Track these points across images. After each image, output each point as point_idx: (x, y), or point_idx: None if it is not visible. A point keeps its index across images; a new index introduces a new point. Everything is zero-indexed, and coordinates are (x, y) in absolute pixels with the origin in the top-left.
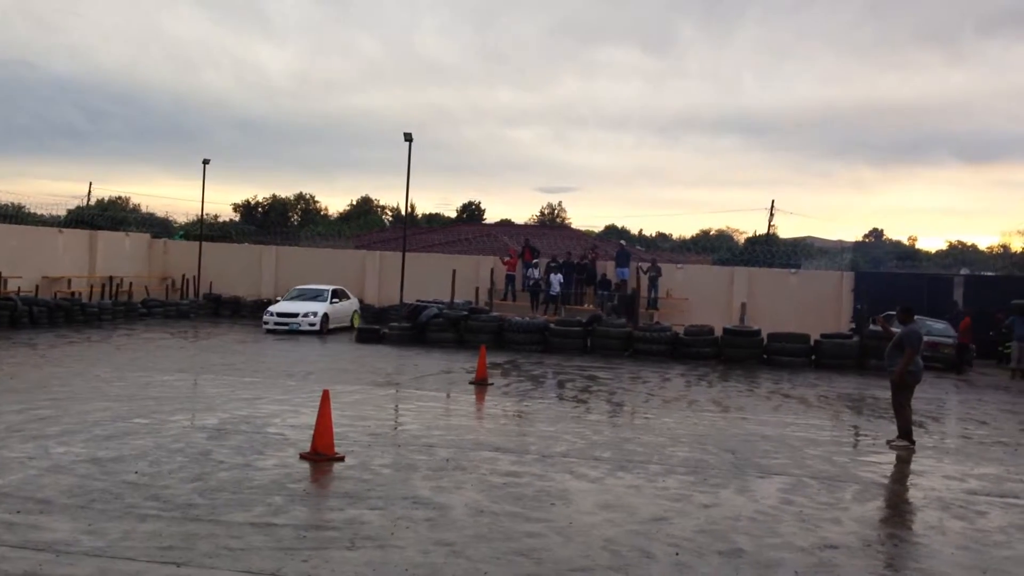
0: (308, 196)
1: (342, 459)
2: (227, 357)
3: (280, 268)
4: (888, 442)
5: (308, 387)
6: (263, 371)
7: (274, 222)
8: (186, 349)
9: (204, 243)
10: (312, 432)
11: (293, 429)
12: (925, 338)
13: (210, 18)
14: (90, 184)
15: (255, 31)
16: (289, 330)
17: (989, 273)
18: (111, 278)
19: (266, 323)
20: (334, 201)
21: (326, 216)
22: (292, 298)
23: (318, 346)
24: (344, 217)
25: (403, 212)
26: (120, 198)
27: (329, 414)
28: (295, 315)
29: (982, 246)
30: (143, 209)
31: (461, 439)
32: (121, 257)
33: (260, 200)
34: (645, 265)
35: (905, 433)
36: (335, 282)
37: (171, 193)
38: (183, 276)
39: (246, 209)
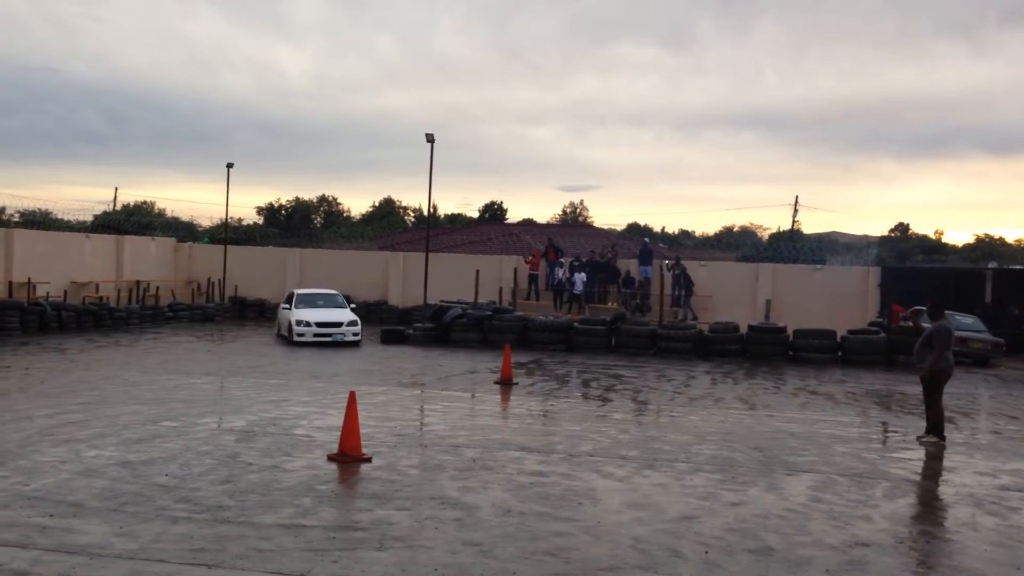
0: (331, 198)
1: (369, 460)
2: (253, 359)
3: (304, 270)
4: (918, 438)
5: (334, 389)
6: (289, 373)
7: (297, 224)
8: (212, 352)
9: (229, 246)
10: (339, 433)
11: (320, 431)
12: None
13: (227, 20)
14: (115, 189)
15: (272, 33)
16: (332, 342)
17: (1018, 267)
18: (138, 282)
19: (301, 335)
20: (356, 203)
21: (349, 218)
22: (308, 305)
23: (343, 348)
24: (367, 219)
25: (425, 213)
26: (145, 203)
27: (356, 415)
28: (339, 324)
29: (1010, 239)
30: (168, 213)
31: (487, 439)
32: (147, 261)
33: (283, 203)
34: (669, 263)
35: (936, 429)
36: (360, 284)
37: (195, 197)
38: (208, 280)
39: (269, 212)
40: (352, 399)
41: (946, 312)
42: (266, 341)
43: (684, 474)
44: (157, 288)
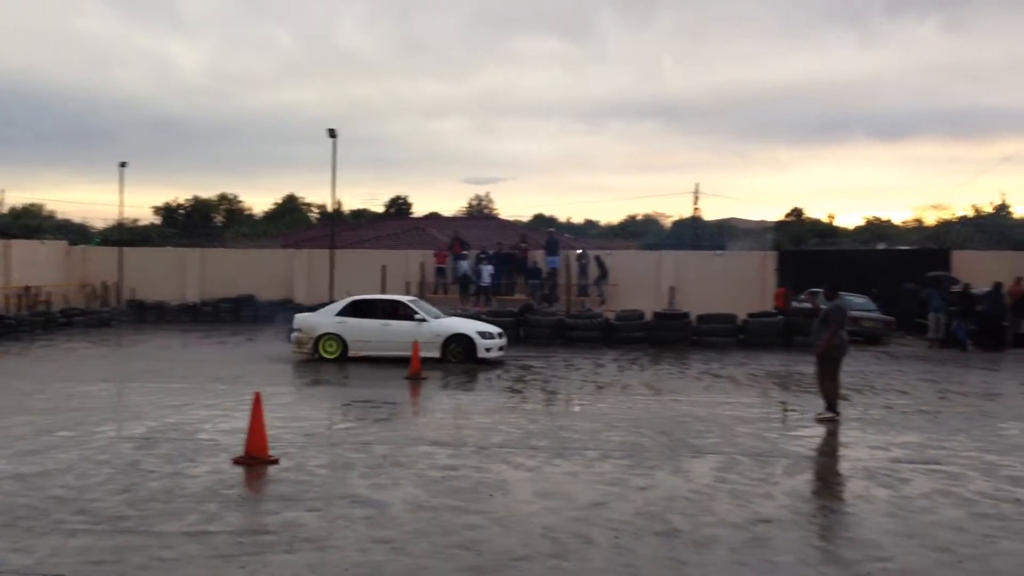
0: (231, 196)
1: (276, 462)
2: (153, 364)
3: (206, 271)
4: (817, 416)
5: (239, 391)
6: (191, 377)
7: (197, 224)
8: (110, 358)
9: (125, 248)
10: (245, 436)
11: (225, 434)
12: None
13: (118, 14)
14: (2, 192)
15: (166, 27)
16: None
17: (906, 247)
18: (27, 288)
19: (489, 349)
20: (258, 200)
21: (251, 216)
22: (435, 316)
23: (248, 349)
24: (270, 216)
25: (330, 209)
26: (33, 205)
27: (261, 417)
28: (503, 334)
29: (897, 221)
30: (58, 216)
31: (397, 435)
32: (37, 266)
33: (181, 202)
34: (579, 252)
35: (830, 405)
36: (264, 283)
37: (87, 198)
38: (104, 283)
39: (167, 212)
40: (257, 400)
41: (840, 293)
42: (167, 344)
43: (593, 461)
44: (49, 293)
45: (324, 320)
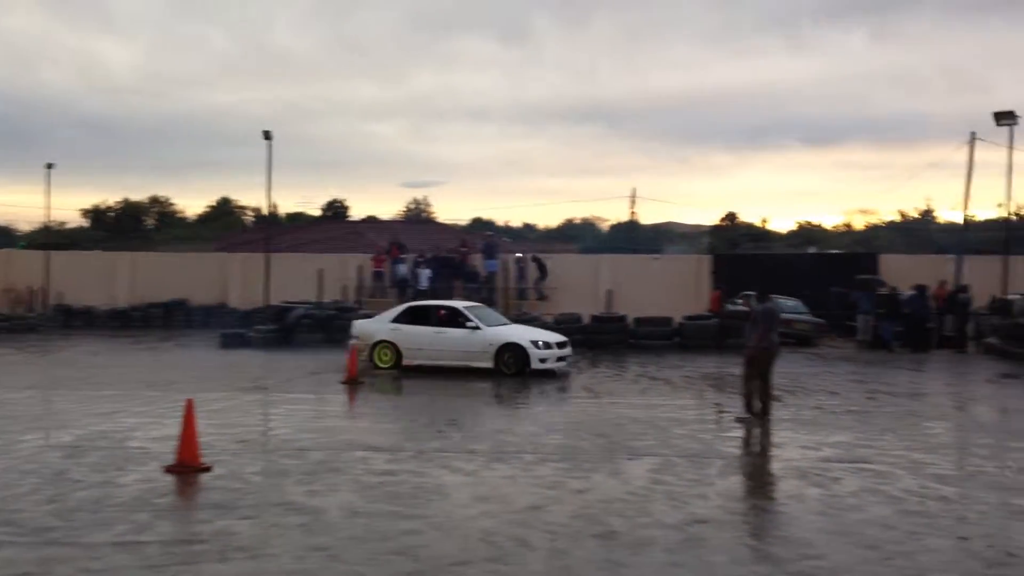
0: (163, 199)
1: (209, 469)
2: (81, 370)
3: (136, 275)
4: (735, 417)
5: (171, 397)
6: (121, 383)
7: (127, 227)
8: (36, 364)
9: (52, 252)
10: (176, 443)
11: (156, 442)
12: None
13: (46, 12)
14: None
15: (95, 26)
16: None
17: (836, 251)
18: None
19: (544, 360)
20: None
21: (183, 219)
22: (491, 324)
23: (180, 354)
24: (203, 219)
25: (265, 212)
26: None
27: (193, 423)
28: (568, 343)
29: (827, 225)
30: None
31: (334, 440)
32: None
33: (111, 204)
34: (518, 255)
35: (747, 406)
36: (197, 287)
37: (12, 200)
38: (29, 288)
39: (96, 215)
40: (189, 407)
41: (771, 296)
42: (95, 350)
43: (531, 465)
44: None
45: (379, 327)
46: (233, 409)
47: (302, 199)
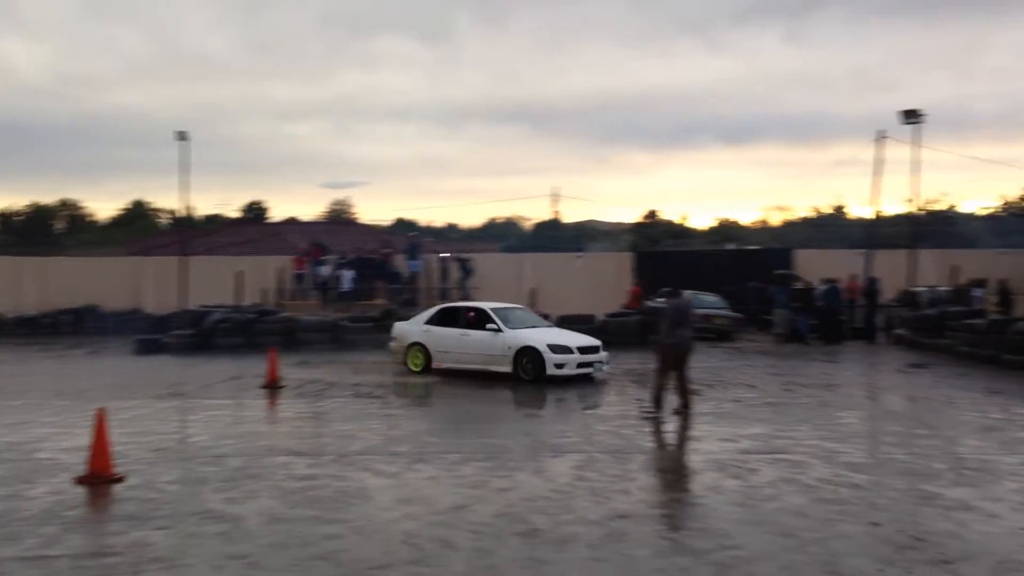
0: (73, 202)
1: (122, 480)
2: None
3: (46, 281)
4: (674, 411)
5: (82, 406)
6: (29, 392)
7: (36, 232)
8: None
9: None
10: (87, 454)
11: (66, 452)
12: (699, 311)
13: None
14: None
15: (3, 26)
16: (586, 375)
17: (754, 247)
18: None
19: (560, 366)
20: (103, 206)
21: (95, 223)
22: (511, 324)
23: (92, 361)
24: (116, 223)
25: (180, 214)
26: None
27: (105, 433)
28: (596, 349)
29: (745, 222)
30: None
31: (253, 446)
32: None
33: (18, 208)
34: (441, 256)
35: (656, 401)
36: (111, 292)
37: None
38: None
39: (2, 219)
40: (101, 416)
41: (684, 292)
42: (1, 359)
43: (455, 465)
44: None
45: (413, 329)
46: (148, 417)
47: (220, 201)
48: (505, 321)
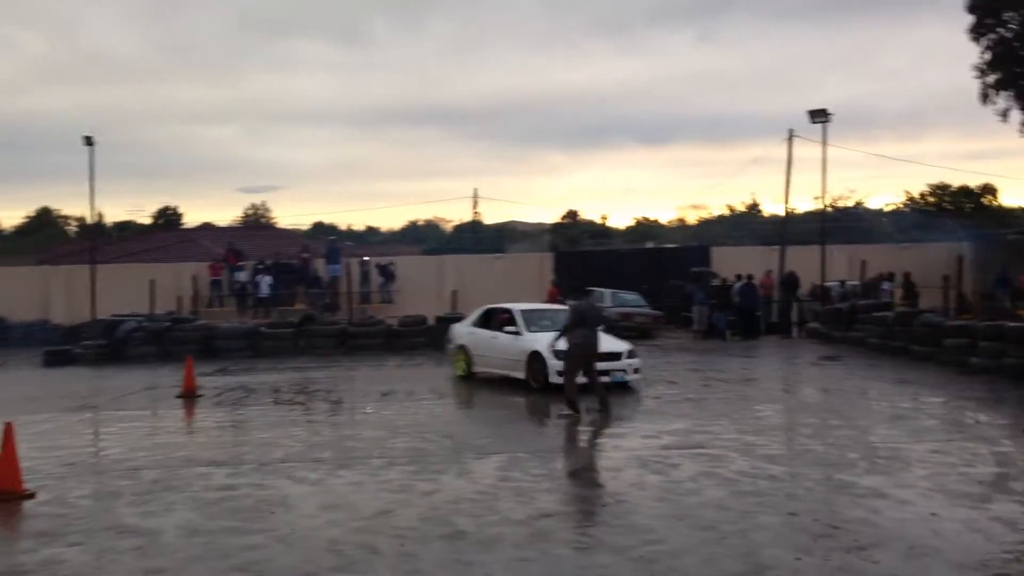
0: None
1: (33, 496)
2: None
3: None
4: (559, 413)
5: None
6: None
7: None
8: None
9: None
10: None
11: None
12: (619, 309)
13: None
14: None
15: None
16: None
17: (672, 245)
18: None
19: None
20: (7, 215)
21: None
22: (538, 326)
23: None
24: (21, 231)
25: (89, 221)
26: None
27: (13, 448)
28: (617, 356)
29: (663, 221)
30: None
31: (170, 457)
32: None
33: None
34: (362, 260)
35: (570, 403)
36: (16, 303)
37: None
38: None
39: None
40: (8, 430)
41: (598, 292)
42: None
43: (379, 469)
44: None
45: (461, 331)
46: (58, 431)
47: (132, 207)
48: (530, 323)
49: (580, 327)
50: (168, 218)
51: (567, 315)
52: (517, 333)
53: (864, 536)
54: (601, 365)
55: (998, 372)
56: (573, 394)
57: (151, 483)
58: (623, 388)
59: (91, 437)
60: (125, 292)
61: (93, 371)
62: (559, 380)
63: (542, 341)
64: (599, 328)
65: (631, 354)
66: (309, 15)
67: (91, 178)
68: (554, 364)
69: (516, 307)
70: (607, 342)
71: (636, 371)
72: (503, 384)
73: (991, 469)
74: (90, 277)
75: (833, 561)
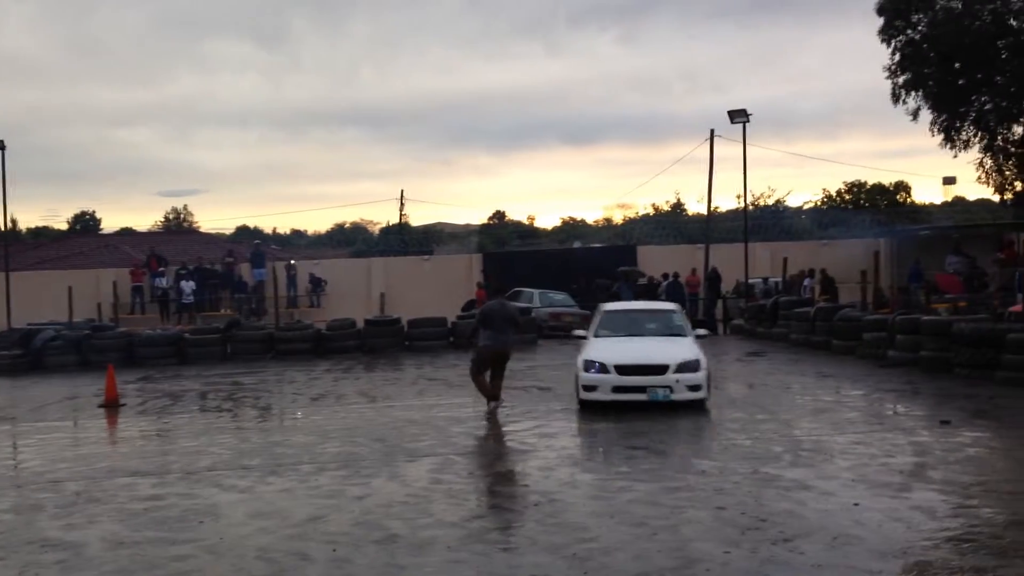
0: None
1: None
2: None
3: None
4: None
5: None
6: None
7: None
8: None
9: None
10: None
11: None
12: (548, 309)
13: None
14: None
15: None
16: (648, 402)
17: (599, 244)
18: None
19: (590, 389)
20: None
21: None
22: (621, 331)
23: None
24: None
25: (1, 228)
26: None
27: None
28: (661, 369)
29: (590, 220)
30: None
31: (93, 468)
32: None
33: None
34: (288, 264)
35: (492, 396)
36: None
37: None
38: None
39: None
40: None
41: (512, 292)
42: None
43: (309, 475)
44: None
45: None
46: None
47: (47, 212)
48: (615, 328)
49: (488, 328)
50: (86, 223)
51: (485, 316)
52: (583, 338)
53: (790, 528)
54: (634, 380)
55: (914, 364)
56: (485, 390)
57: (74, 495)
58: (686, 407)
59: (10, 449)
60: (42, 300)
61: (10, 382)
62: (586, 396)
63: (593, 351)
64: (510, 329)
65: (687, 367)
66: (229, 15)
67: (2, 183)
68: (583, 378)
69: (606, 307)
70: (653, 349)
71: (696, 388)
72: (434, 387)
73: (910, 459)
74: (4, 285)
75: (761, 553)
